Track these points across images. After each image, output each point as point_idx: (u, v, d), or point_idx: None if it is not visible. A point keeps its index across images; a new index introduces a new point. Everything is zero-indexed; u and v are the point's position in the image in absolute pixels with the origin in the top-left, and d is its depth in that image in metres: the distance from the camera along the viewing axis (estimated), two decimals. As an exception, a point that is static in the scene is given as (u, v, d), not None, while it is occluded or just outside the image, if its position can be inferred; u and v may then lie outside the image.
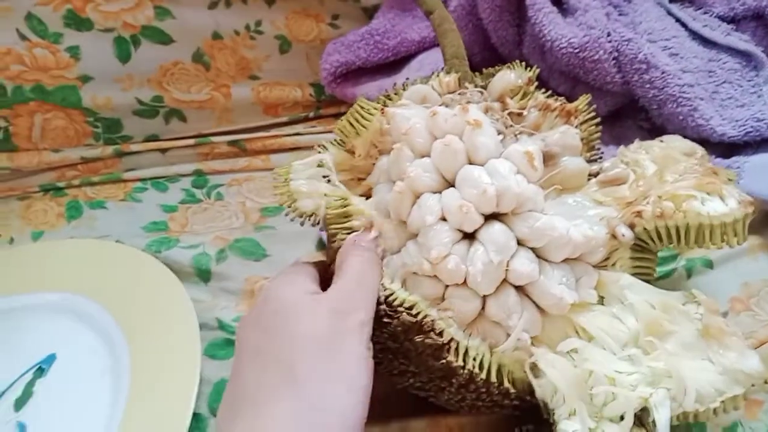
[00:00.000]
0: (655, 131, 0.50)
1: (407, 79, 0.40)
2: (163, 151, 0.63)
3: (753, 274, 0.42)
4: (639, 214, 0.32)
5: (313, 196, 0.36)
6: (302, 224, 0.37)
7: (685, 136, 0.47)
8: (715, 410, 0.28)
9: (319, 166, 0.37)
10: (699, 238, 0.31)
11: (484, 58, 0.58)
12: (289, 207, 0.36)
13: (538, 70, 0.39)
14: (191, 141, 0.63)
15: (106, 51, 0.59)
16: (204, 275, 0.49)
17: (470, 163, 0.32)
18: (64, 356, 0.44)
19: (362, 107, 0.37)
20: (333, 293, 0.30)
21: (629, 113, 0.52)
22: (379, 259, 0.33)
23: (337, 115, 0.65)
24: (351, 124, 0.36)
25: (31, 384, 0.43)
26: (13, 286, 0.49)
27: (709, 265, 0.43)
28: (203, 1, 0.59)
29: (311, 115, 0.66)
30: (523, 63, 0.40)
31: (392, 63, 0.60)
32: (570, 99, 0.53)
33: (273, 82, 0.64)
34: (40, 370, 0.44)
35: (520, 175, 0.31)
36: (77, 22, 0.57)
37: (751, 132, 0.45)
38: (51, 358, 0.44)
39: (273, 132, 0.63)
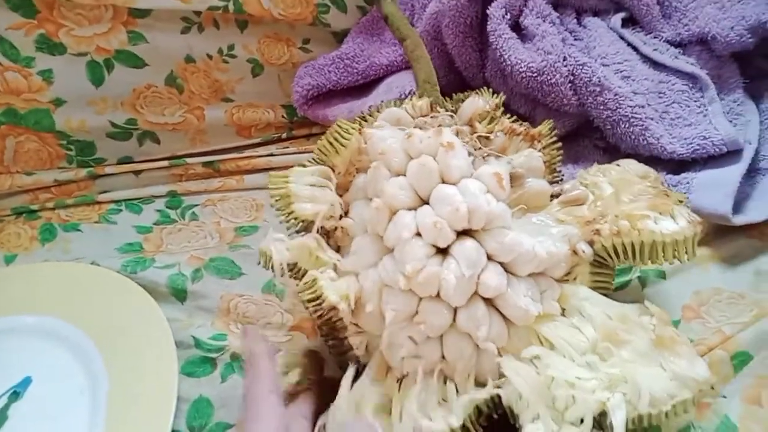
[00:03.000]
0: (610, 150, 0.53)
1: (381, 101, 0.42)
2: (137, 173, 0.63)
3: (703, 284, 0.45)
4: (598, 232, 0.34)
5: (315, 201, 0.37)
6: (288, 229, 0.38)
7: (637, 154, 0.50)
8: (666, 413, 0.30)
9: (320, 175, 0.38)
10: (652, 254, 0.34)
11: (449, 81, 0.60)
12: (283, 210, 0.37)
13: (504, 97, 0.41)
14: (165, 162, 0.63)
15: (79, 74, 0.60)
16: (180, 294, 0.50)
17: (443, 182, 0.34)
18: (40, 379, 0.44)
19: (341, 127, 0.38)
20: None
21: (585, 133, 0.54)
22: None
23: (309, 136, 0.67)
24: (330, 144, 0.38)
25: (5, 408, 0.43)
26: (-13, 311, 0.49)
27: (662, 275, 0.45)
28: (176, 25, 0.61)
29: (284, 136, 0.67)
30: (491, 89, 0.42)
31: (362, 86, 0.62)
32: (530, 119, 0.56)
33: (246, 104, 0.66)
34: (15, 394, 0.44)
35: (490, 194, 0.33)
36: (50, 46, 0.58)
37: (698, 149, 0.48)
38: (26, 382, 0.44)
39: (246, 153, 0.65)
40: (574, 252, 0.35)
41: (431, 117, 0.40)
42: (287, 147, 0.66)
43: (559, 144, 0.41)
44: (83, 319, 0.47)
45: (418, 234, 0.33)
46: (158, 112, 0.63)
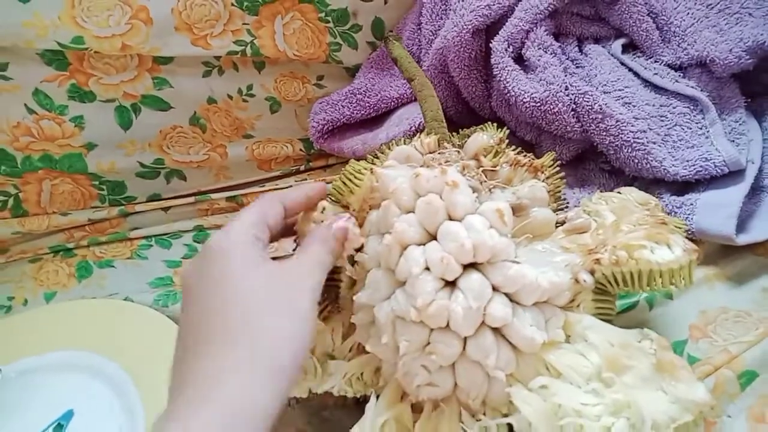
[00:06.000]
0: (615, 173, 0.54)
1: (392, 139, 0.44)
2: (166, 209, 0.67)
3: (710, 303, 0.46)
4: (598, 261, 0.36)
5: None
6: None
7: (641, 177, 0.52)
8: None
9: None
10: (650, 282, 0.35)
11: (458, 110, 0.63)
12: None
13: (507, 131, 0.43)
14: (191, 198, 0.67)
15: (108, 119, 0.64)
16: (208, 327, 0.52)
17: (450, 218, 0.36)
18: (82, 412, 0.47)
19: (354, 168, 0.41)
20: (286, 266, 0.33)
21: (591, 157, 0.56)
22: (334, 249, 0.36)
23: (326, 167, 0.70)
24: (345, 184, 0.40)
25: (52, 440, 0.46)
26: (30, 348, 0.52)
27: (669, 296, 0.46)
28: (198, 70, 0.64)
29: (302, 168, 0.70)
30: (495, 124, 0.44)
31: (374, 118, 0.64)
32: (536, 146, 0.58)
33: (265, 140, 0.69)
34: (59, 426, 0.47)
35: (493, 229, 0.35)
36: (81, 94, 0.62)
37: (700, 171, 0.49)
38: (69, 414, 0.47)
39: (267, 186, 0.68)
40: (577, 281, 0.36)
41: (439, 153, 0.42)
42: (305, 179, 0.69)
43: (562, 174, 0.42)
44: (119, 353, 0.50)
45: (428, 268, 0.35)
46: (183, 151, 0.67)
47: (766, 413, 0.39)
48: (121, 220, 0.67)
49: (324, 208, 0.40)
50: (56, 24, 0.57)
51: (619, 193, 0.42)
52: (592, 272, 0.36)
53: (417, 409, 0.37)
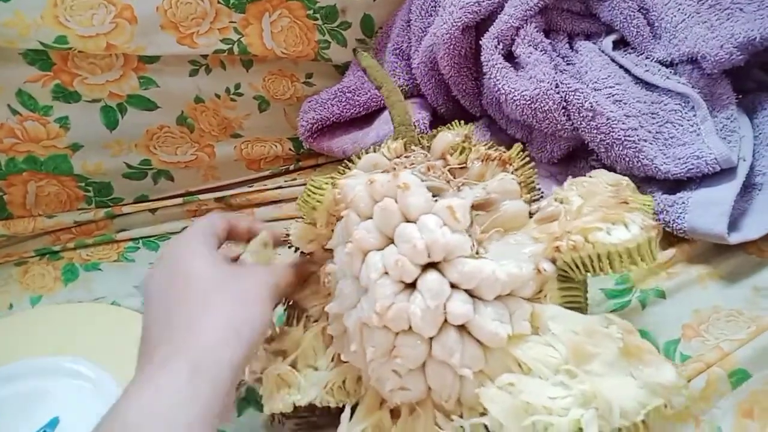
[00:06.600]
0: (606, 169, 0.54)
1: (363, 149, 0.43)
2: (153, 210, 0.66)
3: (703, 302, 0.46)
4: (558, 248, 0.35)
5: None
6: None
7: (633, 175, 0.51)
8: (643, 422, 0.31)
9: (264, 245, 0.42)
10: (612, 263, 0.34)
11: (449, 108, 0.62)
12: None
13: (473, 127, 0.43)
14: (179, 200, 0.66)
15: (94, 120, 0.63)
16: (196, 331, 0.52)
17: (406, 221, 0.36)
18: (67, 419, 0.46)
19: (314, 184, 0.41)
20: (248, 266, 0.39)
21: (582, 155, 0.56)
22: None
23: (316, 167, 0.69)
24: (306, 201, 0.40)
25: (36, 448, 0.45)
26: (14, 353, 0.51)
27: (662, 295, 0.46)
28: (184, 68, 0.63)
29: (291, 167, 0.70)
30: (462, 121, 0.44)
31: (364, 117, 0.64)
32: (527, 144, 0.58)
33: (254, 139, 0.68)
34: (44, 434, 0.46)
35: (446, 227, 0.35)
36: (65, 95, 0.61)
37: (692, 169, 0.49)
38: (54, 422, 0.46)
39: (256, 186, 0.67)
40: (539, 270, 0.36)
41: (405, 157, 0.41)
42: (295, 179, 0.68)
43: (533, 164, 0.42)
44: (106, 358, 0.49)
45: (387, 273, 0.34)
46: (171, 152, 0.66)
47: (755, 409, 0.39)
48: (108, 222, 0.66)
49: (266, 243, 0.42)
50: (38, 23, 0.55)
51: (590, 176, 0.41)
52: (553, 261, 0.36)
53: (397, 414, 0.37)
